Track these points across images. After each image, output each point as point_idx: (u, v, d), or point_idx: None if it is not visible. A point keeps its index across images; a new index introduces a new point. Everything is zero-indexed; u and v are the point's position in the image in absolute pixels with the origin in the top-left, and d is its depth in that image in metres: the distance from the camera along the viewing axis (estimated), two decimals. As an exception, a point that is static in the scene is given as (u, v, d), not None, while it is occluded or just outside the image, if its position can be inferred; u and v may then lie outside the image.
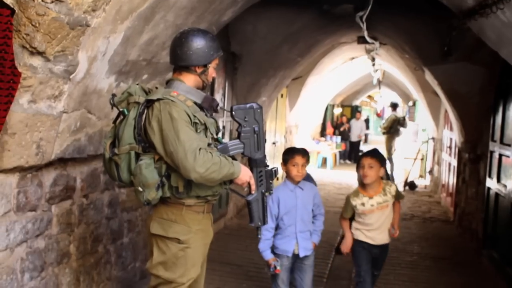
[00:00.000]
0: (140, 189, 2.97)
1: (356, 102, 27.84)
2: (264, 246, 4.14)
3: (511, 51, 4.41)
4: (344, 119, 20.45)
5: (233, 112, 3.17)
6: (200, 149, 2.90)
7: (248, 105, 3.19)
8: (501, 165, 6.37)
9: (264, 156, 3.26)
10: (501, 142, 6.36)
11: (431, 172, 13.10)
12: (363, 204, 4.35)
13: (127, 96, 3.09)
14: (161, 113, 2.92)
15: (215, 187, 3.12)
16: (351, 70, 15.15)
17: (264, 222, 3.30)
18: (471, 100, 7.37)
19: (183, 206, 3.07)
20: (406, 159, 13.74)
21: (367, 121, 25.65)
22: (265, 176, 3.25)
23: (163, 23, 4.04)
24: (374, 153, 4.43)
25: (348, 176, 14.91)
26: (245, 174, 3.13)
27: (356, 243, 4.43)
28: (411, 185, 12.85)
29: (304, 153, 4.19)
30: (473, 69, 7.01)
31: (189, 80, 3.15)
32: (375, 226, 4.37)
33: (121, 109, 3.08)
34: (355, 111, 23.30)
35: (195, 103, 3.11)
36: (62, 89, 3.23)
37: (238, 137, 3.19)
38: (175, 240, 3.07)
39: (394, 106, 15.64)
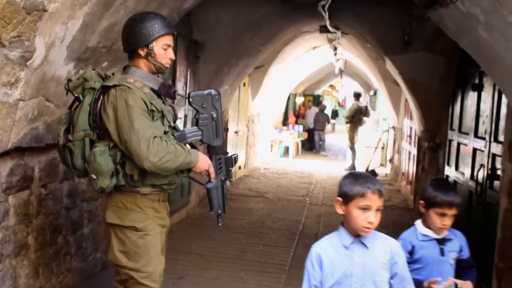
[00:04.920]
0: (94, 176, 2.92)
1: (318, 92, 28.00)
2: None
3: (470, 41, 4.48)
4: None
5: (191, 99, 3.12)
6: (154, 138, 2.86)
7: (206, 92, 3.14)
8: (459, 154, 6.49)
9: (223, 143, 3.22)
10: (460, 131, 6.49)
11: (391, 160, 13.29)
12: None
13: (82, 81, 3.03)
14: (117, 100, 2.88)
15: (171, 176, 3.08)
16: (313, 60, 15.20)
17: (225, 210, 3.26)
18: (431, 89, 7.49)
19: (137, 194, 3.02)
20: (367, 148, 13.90)
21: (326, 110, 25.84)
22: (224, 163, 3.21)
23: (123, 9, 3.95)
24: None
25: (309, 165, 15.04)
26: (203, 163, 3.09)
27: None
28: (371, 174, 12.97)
29: (380, 189, 2.58)
30: (433, 59, 7.12)
31: (141, 65, 3.09)
32: None
33: (76, 95, 3.03)
34: (317, 100, 23.45)
35: (153, 89, 3.06)
36: (18, 76, 3.14)
37: (196, 124, 3.14)
38: (132, 228, 3.02)
39: (357, 95, 15.78)
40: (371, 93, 18.22)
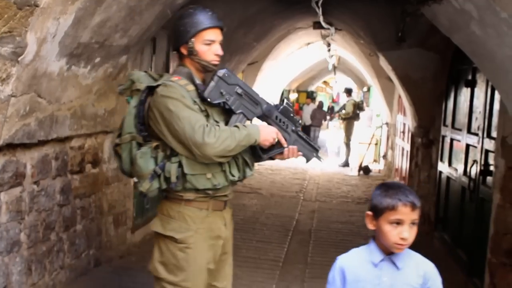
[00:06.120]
0: (135, 180, 2.83)
1: (312, 88, 28.05)
2: None
3: (463, 37, 4.48)
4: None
5: (209, 100, 2.82)
6: (207, 125, 2.71)
7: (214, 80, 2.85)
8: (452, 150, 6.51)
9: (267, 102, 3.00)
10: (453, 127, 6.51)
11: (385, 156, 13.32)
12: None
13: (130, 83, 2.91)
14: (159, 96, 2.75)
15: (217, 178, 2.82)
16: (307, 56, 15.21)
17: (316, 149, 3.14)
18: (424, 85, 7.51)
19: (182, 200, 2.83)
20: (360, 144, 13.92)
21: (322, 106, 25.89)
22: (283, 116, 3.01)
23: (116, 5, 3.93)
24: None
25: (303, 161, 15.02)
26: (267, 133, 2.88)
27: None
28: (365, 170, 13.04)
29: (414, 201, 2.19)
30: (427, 55, 7.14)
31: (188, 64, 2.93)
32: None
33: (126, 98, 2.94)
34: (310, 96, 23.51)
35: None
36: (10, 71, 3.11)
37: (233, 112, 2.90)
38: (172, 239, 2.81)
39: (349, 91, 15.80)
40: (365, 89, 18.25)
